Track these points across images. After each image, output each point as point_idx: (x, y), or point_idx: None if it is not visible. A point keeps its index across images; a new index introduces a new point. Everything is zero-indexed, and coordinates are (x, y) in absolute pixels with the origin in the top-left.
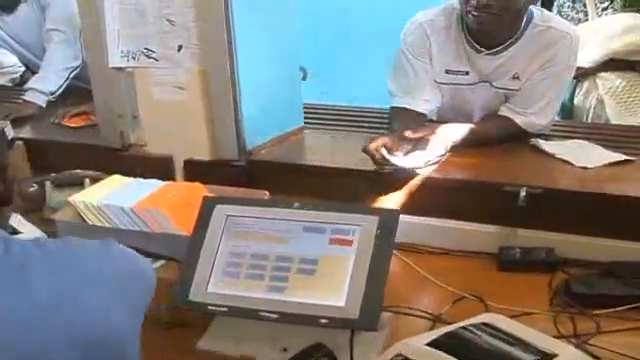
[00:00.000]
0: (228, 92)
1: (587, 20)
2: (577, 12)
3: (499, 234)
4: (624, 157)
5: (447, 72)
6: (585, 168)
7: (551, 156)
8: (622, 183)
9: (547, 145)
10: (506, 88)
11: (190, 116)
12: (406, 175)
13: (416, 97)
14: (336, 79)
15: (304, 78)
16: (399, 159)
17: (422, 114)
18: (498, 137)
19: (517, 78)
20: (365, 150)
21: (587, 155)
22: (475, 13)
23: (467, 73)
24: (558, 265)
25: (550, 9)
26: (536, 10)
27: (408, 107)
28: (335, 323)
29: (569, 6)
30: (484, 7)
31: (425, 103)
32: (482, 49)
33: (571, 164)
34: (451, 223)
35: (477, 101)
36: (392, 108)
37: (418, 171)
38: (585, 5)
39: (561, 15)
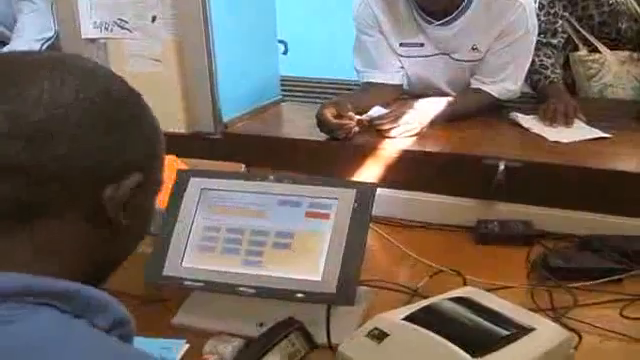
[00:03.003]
0: (204, 64)
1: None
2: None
3: (477, 207)
4: (601, 134)
5: (401, 45)
6: (558, 143)
7: (528, 130)
8: (600, 156)
9: (525, 120)
10: (466, 60)
11: (165, 88)
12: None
13: (384, 69)
14: (313, 51)
15: (285, 52)
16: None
17: (397, 85)
18: (475, 109)
19: (476, 49)
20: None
21: (563, 131)
22: None
23: (422, 45)
24: (536, 238)
25: None
26: None
27: (379, 81)
28: (311, 298)
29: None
30: None
31: (395, 74)
32: (432, 20)
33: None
34: (429, 196)
35: (441, 75)
36: (364, 84)
37: (395, 143)
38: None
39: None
